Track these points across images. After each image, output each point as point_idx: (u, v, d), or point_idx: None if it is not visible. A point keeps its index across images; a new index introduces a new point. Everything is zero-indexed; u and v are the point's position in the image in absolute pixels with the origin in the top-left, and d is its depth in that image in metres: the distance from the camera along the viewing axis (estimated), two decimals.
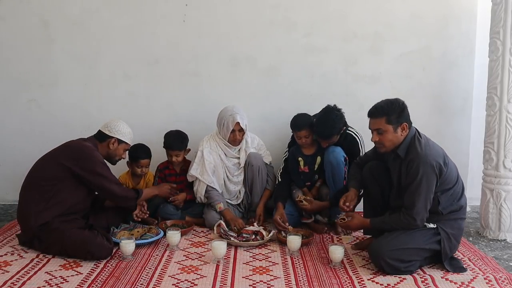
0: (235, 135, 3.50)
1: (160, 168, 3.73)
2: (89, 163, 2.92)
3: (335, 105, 3.38)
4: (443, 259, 2.69)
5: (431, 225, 2.68)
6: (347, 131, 3.47)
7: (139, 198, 3.15)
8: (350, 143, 3.44)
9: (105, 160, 3.10)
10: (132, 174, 3.65)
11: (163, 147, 3.64)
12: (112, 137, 3.10)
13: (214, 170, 3.54)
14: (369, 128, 2.77)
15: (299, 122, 3.45)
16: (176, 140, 3.59)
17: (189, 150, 3.67)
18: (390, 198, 2.87)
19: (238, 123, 3.45)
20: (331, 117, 3.30)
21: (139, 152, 3.57)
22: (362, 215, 3.03)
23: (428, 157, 2.60)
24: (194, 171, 3.53)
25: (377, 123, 2.70)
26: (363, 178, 3.01)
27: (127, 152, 3.26)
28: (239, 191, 3.65)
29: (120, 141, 3.13)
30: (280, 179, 3.58)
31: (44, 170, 2.93)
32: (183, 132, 3.65)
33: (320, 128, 3.33)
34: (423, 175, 2.58)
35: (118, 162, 3.24)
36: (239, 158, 3.60)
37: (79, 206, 2.98)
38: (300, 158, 3.53)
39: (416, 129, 2.77)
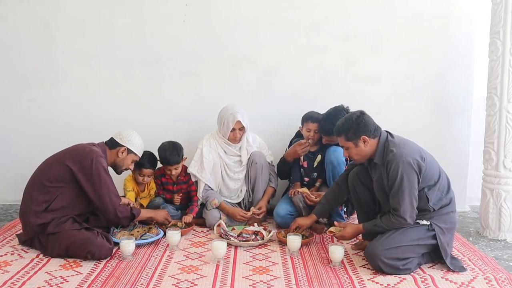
0: (235, 134, 3.50)
1: (157, 174, 3.62)
2: (92, 167, 2.86)
3: (347, 107, 3.39)
4: (444, 256, 2.69)
5: (424, 222, 2.69)
6: None
7: (135, 219, 3.06)
8: None
9: (109, 167, 3.08)
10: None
11: (160, 162, 3.51)
12: (123, 146, 3.08)
13: (213, 168, 3.55)
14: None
15: (313, 114, 3.50)
16: (172, 154, 3.44)
17: (185, 158, 3.59)
18: (382, 204, 2.87)
19: (239, 122, 3.46)
20: (338, 116, 3.30)
21: (144, 160, 3.38)
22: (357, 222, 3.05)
23: (404, 155, 2.61)
24: (192, 168, 3.55)
25: (340, 141, 2.82)
26: (351, 184, 3.01)
27: (134, 163, 3.19)
28: (240, 190, 3.65)
29: (129, 151, 3.10)
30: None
31: (50, 171, 2.91)
32: (177, 142, 3.52)
33: (324, 123, 3.36)
34: (402, 173, 2.60)
35: (123, 172, 3.19)
36: (240, 156, 3.60)
37: (82, 210, 2.97)
38: None
39: (387, 132, 2.78)
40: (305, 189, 3.41)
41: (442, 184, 2.73)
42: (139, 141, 3.16)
